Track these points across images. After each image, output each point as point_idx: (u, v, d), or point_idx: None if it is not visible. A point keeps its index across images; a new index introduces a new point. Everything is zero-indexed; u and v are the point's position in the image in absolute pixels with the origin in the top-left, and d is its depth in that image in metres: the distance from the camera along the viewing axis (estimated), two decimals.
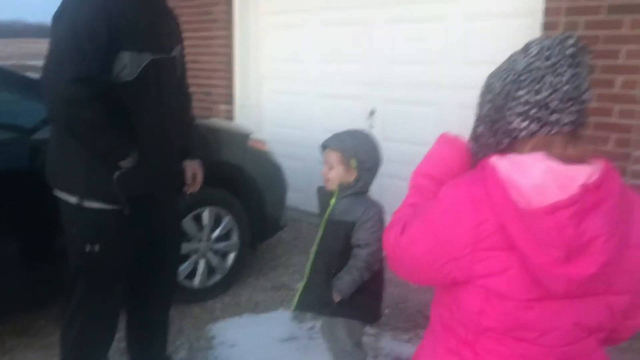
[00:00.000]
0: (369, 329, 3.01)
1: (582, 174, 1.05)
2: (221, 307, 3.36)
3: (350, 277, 2.20)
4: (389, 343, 2.94)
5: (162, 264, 2.38)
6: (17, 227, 2.70)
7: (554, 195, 1.03)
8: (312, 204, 4.74)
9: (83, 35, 1.81)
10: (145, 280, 2.32)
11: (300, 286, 2.32)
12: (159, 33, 2.06)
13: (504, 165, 1.08)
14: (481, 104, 1.21)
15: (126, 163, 1.98)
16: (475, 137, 1.23)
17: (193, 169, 2.41)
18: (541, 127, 1.10)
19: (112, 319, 2.21)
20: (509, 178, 1.06)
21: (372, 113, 4.60)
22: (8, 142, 2.84)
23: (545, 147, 1.09)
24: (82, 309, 2.13)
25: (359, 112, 4.66)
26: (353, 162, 2.22)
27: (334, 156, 2.25)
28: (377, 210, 2.24)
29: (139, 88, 1.95)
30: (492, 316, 1.12)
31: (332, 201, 2.27)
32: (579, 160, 1.07)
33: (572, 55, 1.09)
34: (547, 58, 1.09)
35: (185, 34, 6.01)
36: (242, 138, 3.64)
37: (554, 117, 1.09)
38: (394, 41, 4.45)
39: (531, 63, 1.10)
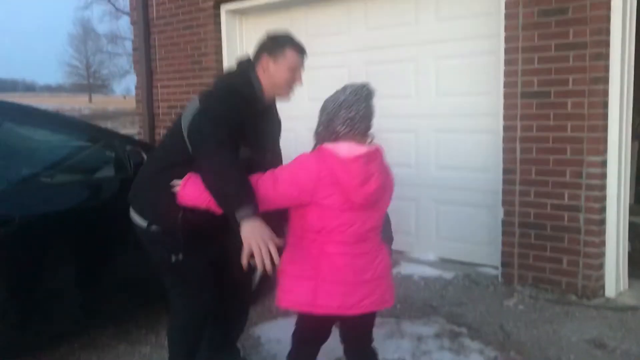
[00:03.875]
0: None
1: (364, 147, 2.18)
2: (256, 315, 3.86)
3: None
4: (409, 327, 3.53)
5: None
6: (64, 260, 3.12)
7: (354, 152, 2.13)
8: None
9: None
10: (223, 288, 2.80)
11: None
12: (260, 132, 2.58)
13: (330, 146, 2.18)
14: (320, 116, 2.25)
15: (243, 213, 2.09)
16: (317, 134, 2.27)
17: None
18: (350, 130, 2.18)
19: (208, 314, 2.69)
20: (332, 150, 2.15)
21: None
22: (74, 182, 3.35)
23: (350, 140, 2.18)
24: (183, 310, 2.61)
25: None
26: None
27: None
28: None
29: None
30: (323, 221, 2.17)
31: None
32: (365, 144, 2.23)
33: (367, 96, 2.23)
34: (355, 95, 2.20)
35: (177, 82, 6.61)
36: None
37: (357, 126, 2.19)
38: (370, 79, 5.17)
39: (346, 98, 2.20)
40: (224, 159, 2.20)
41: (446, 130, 4.80)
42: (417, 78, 4.92)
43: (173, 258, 2.53)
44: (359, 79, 5.23)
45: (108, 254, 3.29)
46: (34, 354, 3.27)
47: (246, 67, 2.56)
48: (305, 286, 2.21)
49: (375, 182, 2.18)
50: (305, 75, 5.59)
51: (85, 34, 49.33)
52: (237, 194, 2.12)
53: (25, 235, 2.94)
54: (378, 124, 5.07)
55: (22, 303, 2.92)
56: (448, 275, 4.52)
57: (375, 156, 2.22)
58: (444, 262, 4.80)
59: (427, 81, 4.86)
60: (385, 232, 2.77)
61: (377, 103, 5.05)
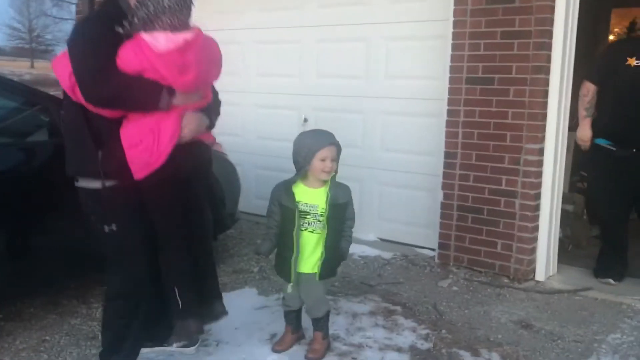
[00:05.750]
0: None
1: (185, 35, 2.28)
2: None
3: (349, 244, 2.88)
4: (345, 304, 3.58)
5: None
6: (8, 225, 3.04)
7: (170, 45, 2.24)
8: (249, 205, 5.33)
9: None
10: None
11: (318, 262, 2.81)
12: None
13: (147, 36, 2.25)
14: (138, 9, 2.26)
15: (162, 104, 2.31)
16: (130, 25, 2.29)
17: None
18: (168, 29, 2.26)
19: (141, 289, 2.58)
20: (150, 41, 2.23)
21: (305, 121, 5.24)
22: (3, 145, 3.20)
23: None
24: (115, 283, 2.55)
25: (293, 120, 5.28)
26: (339, 154, 2.81)
27: (336, 150, 2.79)
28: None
29: None
30: None
31: (323, 189, 2.79)
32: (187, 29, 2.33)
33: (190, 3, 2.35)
34: (179, 4, 2.28)
35: None
36: None
37: (177, 29, 2.28)
38: (321, 58, 5.16)
39: (172, 5, 2.26)
40: (110, 88, 2.26)
41: (393, 113, 4.82)
42: (367, 59, 4.91)
43: (106, 228, 2.47)
44: (309, 56, 5.24)
45: (39, 220, 3.17)
46: None
47: None
48: (141, 149, 2.32)
49: (193, 71, 2.31)
50: (255, 49, 5.57)
51: None
52: (144, 98, 2.31)
53: None
54: (327, 103, 5.11)
55: None
56: (387, 255, 4.59)
57: (193, 44, 2.30)
58: (384, 243, 4.86)
59: (377, 62, 4.86)
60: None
61: (328, 83, 5.10)
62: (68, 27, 38.65)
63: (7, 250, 3.06)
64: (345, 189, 2.87)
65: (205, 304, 2.74)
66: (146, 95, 2.30)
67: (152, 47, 2.23)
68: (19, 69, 36.61)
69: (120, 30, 2.29)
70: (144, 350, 2.90)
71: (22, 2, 48.27)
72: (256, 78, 5.62)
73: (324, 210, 2.79)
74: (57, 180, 2.98)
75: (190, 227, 2.61)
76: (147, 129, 2.33)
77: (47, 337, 3.13)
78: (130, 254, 2.54)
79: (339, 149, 2.80)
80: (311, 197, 2.82)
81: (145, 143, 2.32)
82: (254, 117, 5.70)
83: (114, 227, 2.48)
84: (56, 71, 2.43)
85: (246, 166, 5.52)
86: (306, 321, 3.05)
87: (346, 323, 3.30)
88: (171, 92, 2.32)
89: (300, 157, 2.77)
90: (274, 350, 2.99)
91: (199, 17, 6.10)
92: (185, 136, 2.41)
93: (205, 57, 2.39)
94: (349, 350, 3.00)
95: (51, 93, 3.54)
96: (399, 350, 3.01)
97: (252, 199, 5.47)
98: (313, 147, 2.74)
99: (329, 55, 5.13)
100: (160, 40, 2.24)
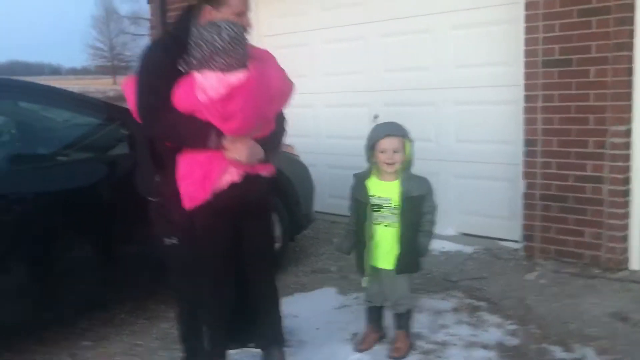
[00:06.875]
0: None
1: (236, 76, 2.29)
2: None
3: (428, 239, 2.82)
4: (427, 301, 3.51)
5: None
6: (83, 236, 3.19)
7: (219, 90, 2.28)
8: (323, 205, 5.34)
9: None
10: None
11: (395, 255, 2.78)
12: None
13: (199, 77, 2.30)
14: (194, 53, 2.32)
15: (211, 144, 2.34)
16: (188, 64, 2.35)
17: None
18: (222, 71, 2.28)
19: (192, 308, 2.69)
20: (200, 81, 2.29)
21: (376, 117, 5.18)
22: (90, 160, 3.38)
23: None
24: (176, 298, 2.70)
25: (364, 117, 5.25)
26: (408, 145, 2.76)
27: (397, 141, 2.73)
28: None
29: None
30: None
31: (396, 183, 2.76)
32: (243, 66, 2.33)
33: (242, 37, 2.34)
34: (232, 45, 2.28)
35: None
36: None
37: (230, 69, 2.28)
38: (387, 52, 5.09)
39: (225, 47, 2.27)
40: (160, 126, 2.38)
41: (466, 103, 4.70)
42: (435, 49, 4.81)
43: (167, 241, 2.56)
44: (375, 51, 5.19)
45: (124, 229, 3.31)
46: (53, 330, 3.32)
47: (185, 16, 2.50)
48: (189, 182, 2.39)
49: (238, 119, 2.32)
50: (321, 49, 5.57)
51: (108, 16, 49.53)
52: (193, 138, 2.36)
53: (42, 212, 2.97)
54: (397, 97, 5.04)
55: (41, 279, 2.97)
56: (468, 249, 4.47)
57: (239, 90, 2.29)
58: (464, 237, 4.74)
59: (446, 52, 4.74)
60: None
61: (396, 77, 5.03)
62: (145, 42, 40.43)
63: (97, 259, 3.22)
64: (422, 182, 2.81)
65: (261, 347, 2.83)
66: (194, 135, 2.35)
67: (197, 93, 2.29)
68: (102, 86, 38.62)
69: (181, 68, 2.35)
70: (230, 352, 2.97)
71: (103, 23, 50.89)
72: (324, 77, 5.63)
73: (397, 204, 2.76)
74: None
75: (235, 264, 2.62)
76: (198, 164, 2.38)
77: (138, 342, 3.26)
78: (192, 265, 2.59)
79: (403, 139, 2.74)
80: (384, 190, 2.79)
81: (193, 177, 2.38)
82: (324, 117, 5.71)
83: (174, 240, 2.56)
84: (126, 94, 2.55)
85: (319, 167, 5.52)
86: (387, 321, 3.02)
87: (429, 321, 3.23)
88: (220, 133, 2.34)
89: (366, 150, 2.81)
90: (357, 350, 2.97)
91: (261, 21, 6.22)
92: (234, 160, 2.39)
93: (256, 99, 2.34)
94: (433, 349, 2.94)
95: None
96: (485, 347, 2.92)
97: (327, 198, 5.48)
98: (372, 139, 2.75)
99: (395, 49, 5.06)
100: (211, 81, 2.28)
